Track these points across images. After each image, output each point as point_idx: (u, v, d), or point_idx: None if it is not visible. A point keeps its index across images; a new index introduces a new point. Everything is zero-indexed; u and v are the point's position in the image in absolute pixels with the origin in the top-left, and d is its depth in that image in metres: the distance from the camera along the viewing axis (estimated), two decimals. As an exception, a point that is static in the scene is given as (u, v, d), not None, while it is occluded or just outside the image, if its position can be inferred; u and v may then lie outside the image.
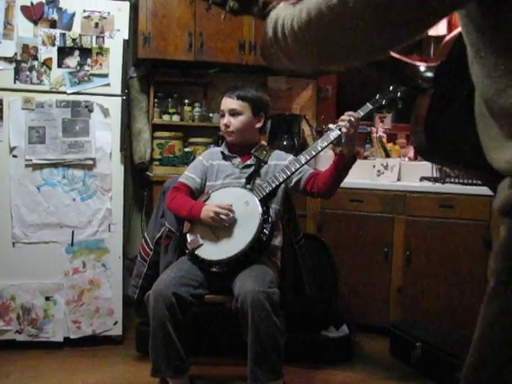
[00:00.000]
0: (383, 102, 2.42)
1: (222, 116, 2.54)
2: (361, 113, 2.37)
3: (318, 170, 2.55)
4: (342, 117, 2.32)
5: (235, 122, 2.50)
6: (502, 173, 0.86)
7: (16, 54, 2.89)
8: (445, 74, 1.01)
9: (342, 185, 2.53)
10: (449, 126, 0.99)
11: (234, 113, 2.50)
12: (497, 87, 0.81)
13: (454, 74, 0.98)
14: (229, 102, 2.51)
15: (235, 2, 1.23)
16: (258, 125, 2.55)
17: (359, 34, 0.85)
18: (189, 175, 2.56)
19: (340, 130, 2.33)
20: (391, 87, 2.42)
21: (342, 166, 2.38)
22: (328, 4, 0.86)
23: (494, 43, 0.80)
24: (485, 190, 3.17)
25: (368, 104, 2.42)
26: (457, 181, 3.28)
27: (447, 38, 1.04)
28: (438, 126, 1.01)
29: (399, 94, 2.40)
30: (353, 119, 2.30)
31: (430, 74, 1.06)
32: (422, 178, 3.46)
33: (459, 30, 0.95)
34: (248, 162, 2.55)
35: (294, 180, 2.49)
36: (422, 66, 1.09)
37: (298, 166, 2.41)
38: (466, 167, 1.08)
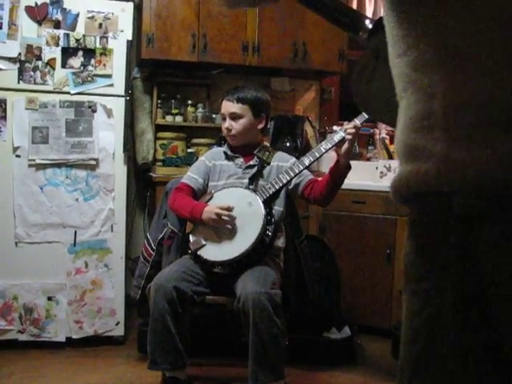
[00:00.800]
0: None
1: (223, 119, 2.54)
2: (357, 122, 2.35)
3: (316, 178, 2.53)
4: (347, 125, 2.32)
5: (237, 126, 2.50)
6: (397, 151, 0.82)
7: (20, 54, 2.89)
8: (379, 27, 1.00)
9: (345, 186, 2.52)
10: (380, 84, 0.97)
11: (234, 116, 2.50)
12: (391, 56, 0.79)
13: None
14: (229, 106, 2.51)
15: None
16: (260, 126, 2.54)
17: None
18: (191, 176, 2.56)
19: (344, 134, 2.33)
20: None
21: (338, 174, 2.37)
22: None
23: (390, 7, 0.78)
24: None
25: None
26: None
27: None
28: (363, 79, 0.99)
29: None
30: (357, 128, 2.30)
31: (370, 27, 1.06)
32: (425, 180, 3.46)
33: None
34: (251, 163, 2.55)
35: (293, 182, 2.48)
36: (368, 19, 1.09)
37: (301, 167, 2.41)
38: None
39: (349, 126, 2.30)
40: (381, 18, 0.96)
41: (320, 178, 2.49)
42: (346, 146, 2.31)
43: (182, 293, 2.24)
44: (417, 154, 0.74)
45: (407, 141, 0.76)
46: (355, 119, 2.35)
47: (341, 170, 2.36)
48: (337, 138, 2.38)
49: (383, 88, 0.92)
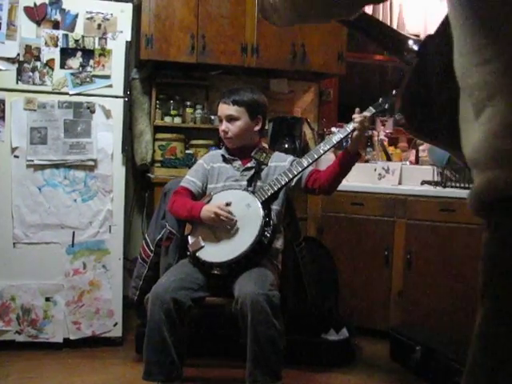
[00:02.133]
0: (386, 106, 2.42)
1: (220, 122, 2.55)
2: (367, 114, 2.38)
3: (317, 168, 2.55)
4: (356, 115, 2.35)
5: (233, 128, 2.50)
6: (468, 162, 0.84)
7: (19, 54, 2.89)
8: (429, 49, 1.00)
9: (343, 188, 2.53)
10: (434, 106, 0.98)
11: (230, 118, 2.50)
12: (466, 66, 0.80)
13: (438, 48, 0.97)
14: (225, 108, 2.51)
15: None
16: (257, 127, 2.55)
17: None
18: (190, 179, 2.56)
19: (353, 126, 2.35)
20: (394, 91, 2.42)
21: (346, 162, 2.40)
22: None
23: (464, 19, 0.80)
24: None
25: (371, 108, 2.42)
26: (458, 185, 3.28)
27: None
28: (417, 101, 1.00)
29: None
30: (364, 117, 2.33)
31: (416, 48, 1.07)
32: (423, 182, 3.47)
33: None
34: (248, 165, 2.55)
35: (294, 179, 2.49)
36: (411, 39, 1.10)
37: (300, 169, 2.42)
38: (450, 149, 1.07)
39: (357, 116, 2.34)
40: (429, 37, 0.97)
41: (322, 169, 2.51)
42: (355, 133, 2.34)
43: (180, 303, 2.23)
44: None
45: (501, 146, 0.76)
46: (365, 111, 2.38)
47: (349, 158, 2.39)
48: (335, 139, 2.40)
49: (443, 107, 0.93)
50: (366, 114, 2.38)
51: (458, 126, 0.86)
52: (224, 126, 2.51)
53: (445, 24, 0.96)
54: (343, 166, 2.40)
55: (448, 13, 0.86)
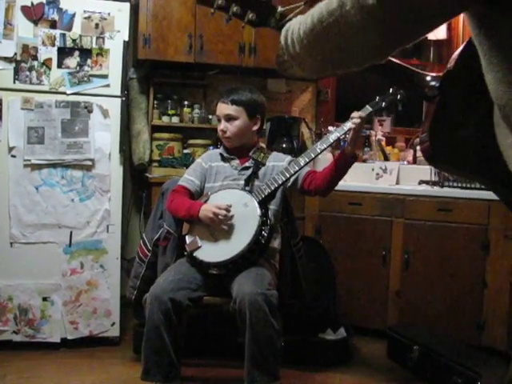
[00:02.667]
0: (383, 105, 2.42)
1: (219, 121, 2.55)
2: (362, 114, 2.38)
3: (313, 169, 2.55)
4: (353, 114, 2.35)
5: (231, 128, 2.50)
6: None
7: (16, 53, 2.89)
8: (450, 82, 1.02)
9: (341, 188, 2.53)
10: (459, 134, 1.00)
11: (229, 118, 2.50)
12: (511, 94, 0.81)
13: (460, 83, 0.99)
14: (223, 108, 2.51)
15: (254, 14, 1.29)
16: (255, 127, 2.55)
17: (357, 38, 0.87)
18: (188, 178, 2.56)
19: (350, 126, 2.35)
20: (391, 90, 2.43)
21: (343, 164, 2.39)
22: (328, 8, 0.89)
23: (505, 49, 0.81)
24: (483, 194, 3.18)
25: (368, 106, 2.42)
26: (455, 185, 3.29)
27: (456, 52, 1.05)
28: (443, 134, 1.02)
29: (399, 96, 2.41)
30: (362, 117, 2.33)
31: (434, 83, 1.08)
32: (421, 182, 3.47)
33: (466, 42, 0.97)
34: (246, 164, 2.55)
35: (291, 180, 2.49)
36: (429, 76, 1.12)
37: (296, 168, 2.42)
38: (476, 175, 1.08)
39: (356, 114, 2.34)
40: (448, 72, 1.01)
41: (319, 170, 2.50)
42: (350, 134, 2.34)
43: (178, 304, 2.23)
44: None
45: None
46: (360, 111, 2.38)
47: (346, 159, 2.38)
48: (332, 138, 2.40)
49: (470, 137, 0.95)
50: (362, 113, 2.38)
51: (486, 154, 0.88)
52: (222, 125, 2.51)
53: (463, 56, 0.98)
54: (340, 168, 2.40)
55: (479, 44, 0.87)
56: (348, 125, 2.35)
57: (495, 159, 0.90)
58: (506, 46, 0.81)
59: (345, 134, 2.38)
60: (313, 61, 1.00)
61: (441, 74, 1.07)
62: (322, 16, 0.90)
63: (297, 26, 0.99)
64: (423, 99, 1.17)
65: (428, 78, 1.11)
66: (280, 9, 1.27)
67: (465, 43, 1.02)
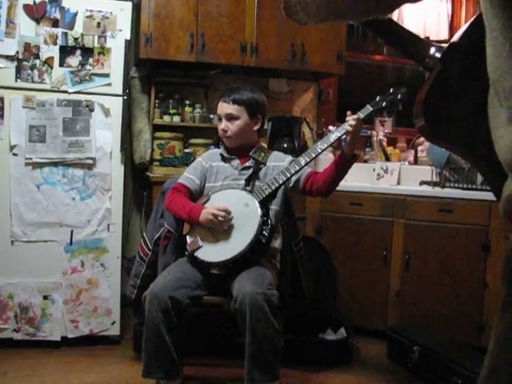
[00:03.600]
0: (384, 104, 2.42)
1: (220, 120, 2.55)
2: (361, 114, 2.38)
3: (315, 170, 2.54)
4: (348, 117, 2.34)
5: (232, 127, 2.50)
6: (504, 166, 0.84)
7: (18, 52, 2.89)
8: (452, 56, 1.01)
9: (342, 188, 2.52)
10: (455, 111, 0.99)
11: (230, 117, 2.50)
12: (504, 68, 0.81)
13: (463, 56, 0.98)
14: (224, 107, 2.51)
15: None
16: (256, 127, 2.54)
17: None
18: (188, 176, 2.56)
19: (346, 128, 2.34)
20: (392, 89, 2.42)
21: (343, 164, 2.39)
22: None
23: (504, 21, 0.80)
24: (484, 195, 3.18)
25: (368, 106, 2.42)
26: (456, 185, 3.28)
27: (464, 26, 1.05)
28: (438, 107, 1.01)
29: (400, 96, 2.40)
30: (357, 119, 2.32)
31: (438, 55, 1.08)
32: (422, 182, 3.47)
33: (474, 17, 0.96)
34: (247, 164, 2.55)
35: (292, 180, 2.49)
36: (434, 47, 1.11)
37: (297, 167, 2.41)
38: (470, 155, 1.07)
39: (350, 118, 2.33)
40: (452, 44, 1.00)
41: (320, 170, 2.50)
42: (348, 137, 2.34)
43: (178, 302, 2.23)
44: None
45: None
46: (359, 112, 2.38)
47: (345, 160, 2.38)
48: (333, 137, 2.39)
49: (464, 113, 0.94)
50: (360, 115, 2.37)
51: (479, 133, 0.87)
52: (223, 124, 2.51)
53: (469, 32, 0.97)
54: (340, 169, 2.40)
55: (485, 15, 0.86)
56: (347, 126, 2.35)
57: (484, 137, 0.89)
58: (507, 19, 0.80)
59: (345, 134, 2.38)
60: (318, 7, 1.01)
61: (445, 45, 1.07)
62: None
63: None
64: (423, 68, 1.16)
65: (432, 49, 1.11)
66: None
67: (473, 18, 1.01)
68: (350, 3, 0.94)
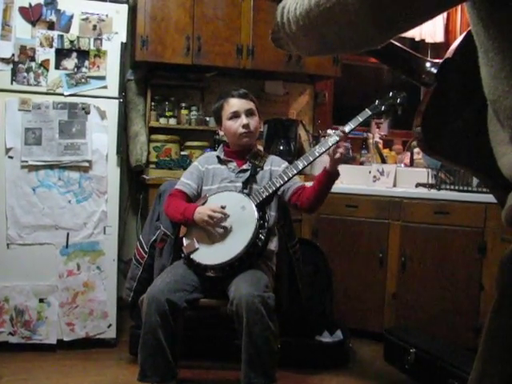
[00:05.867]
0: (382, 109, 2.42)
1: (236, 117, 2.50)
2: (367, 113, 2.37)
3: (305, 185, 2.53)
4: (336, 131, 2.34)
5: (253, 123, 2.51)
6: (510, 180, 0.85)
7: (13, 55, 2.88)
8: (448, 71, 1.01)
9: (338, 190, 2.53)
10: (453, 124, 0.99)
11: (250, 113, 2.50)
12: (503, 88, 0.81)
13: (459, 72, 0.99)
14: (244, 103, 2.50)
15: None
16: (261, 127, 2.58)
17: (354, 24, 0.86)
18: (185, 181, 2.56)
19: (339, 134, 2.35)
20: (391, 93, 2.42)
21: (326, 182, 2.38)
22: None
23: (501, 42, 0.80)
24: (480, 197, 3.19)
25: (367, 110, 2.41)
26: (452, 187, 3.29)
27: (456, 40, 1.05)
28: (437, 122, 1.01)
29: (399, 100, 2.40)
30: (343, 136, 2.31)
31: (433, 70, 1.07)
32: (418, 185, 3.47)
33: (466, 32, 0.96)
34: (244, 167, 2.55)
35: (282, 189, 2.46)
36: (428, 62, 1.11)
37: (295, 171, 2.41)
38: (470, 168, 1.08)
39: (336, 133, 2.32)
40: (447, 60, 1.01)
41: (309, 185, 2.49)
42: (336, 155, 2.31)
43: (175, 305, 2.23)
44: None
45: None
46: (358, 116, 2.37)
47: (328, 178, 2.37)
48: (331, 141, 2.39)
49: (463, 128, 0.94)
50: (345, 128, 2.34)
51: (478, 148, 0.88)
52: (246, 120, 2.49)
53: (463, 47, 0.97)
54: (323, 186, 2.39)
55: (476, 36, 0.86)
56: (347, 129, 2.34)
57: (487, 154, 0.90)
58: (503, 40, 0.80)
59: (344, 138, 2.37)
60: (308, 41, 1.00)
61: (440, 60, 1.07)
62: (319, 0, 0.89)
63: (293, 5, 0.98)
64: (420, 85, 1.16)
65: (427, 64, 1.11)
66: None
67: (465, 33, 1.02)
68: (342, 39, 0.93)
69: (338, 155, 2.29)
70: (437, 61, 1.09)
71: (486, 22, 0.82)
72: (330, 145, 2.38)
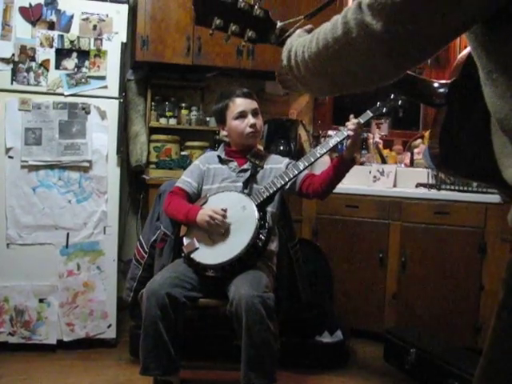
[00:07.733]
0: (384, 110, 2.42)
1: (243, 117, 2.51)
2: (361, 120, 2.38)
3: (311, 172, 2.55)
4: (349, 122, 2.35)
5: (259, 122, 2.54)
6: None
7: (13, 54, 2.88)
8: (457, 91, 1.02)
9: (338, 190, 2.52)
10: (466, 141, 1.01)
11: (255, 112, 2.52)
12: (510, 107, 0.81)
13: (467, 91, 1.00)
14: (249, 103, 2.51)
15: (253, 31, 1.27)
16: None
17: (364, 64, 0.87)
18: (185, 180, 2.56)
19: (345, 134, 2.35)
20: (392, 95, 2.42)
21: (341, 168, 2.39)
22: (334, 35, 0.88)
23: (505, 64, 0.81)
24: (480, 197, 3.19)
25: (368, 112, 2.42)
26: (452, 187, 3.29)
27: (459, 56, 1.05)
28: (453, 141, 1.02)
29: (400, 102, 2.40)
30: (357, 123, 2.32)
31: (443, 90, 1.08)
32: (418, 185, 3.47)
33: (468, 51, 0.97)
34: (244, 167, 2.55)
35: (289, 183, 2.49)
36: (436, 83, 1.11)
37: (296, 172, 2.41)
38: (485, 181, 1.09)
39: (350, 122, 2.33)
40: (454, 81, 1.02)
41: (317, 173, 2.50)
42: (349, 141, 2.34)
43: (175, 299, 2.23)
44: None
45: None
46: (359, 118, 2.38)
47: (344, 164, 2.38)
48: (332, 142, 2.40)
49: (474, 137, 0.96)
50: (360, 120, 2.37)
51: (483, 159, 0.90)
52: (253, 120, 2.50)
53: (466, 66, 0.98)
54: (338, 172, 2.40)
55: (478, 58, 0.87)
56: (345, 133, 2.35)
57: (492, 165, 0.90)
58: (506, 62, 0.81)
59: (344, 139, 2.38)
60: (320, 83, 1.00)
61: (447, 81, 1.07)
62: (328, 42, 0.89)
63: (300, 48, 0.98)
64: (431, 106, 1.17)
65: (435, 85, 1.11)
66: (279, 24, 1.25)
67: (467, 51, 1.02)
68: (354, 78, 0.92)
69: (351, 132, 2.31)
70: (444, 82, 1.09)
71: (487, 46, 0.83)
72: (332, 146, 2.40)
